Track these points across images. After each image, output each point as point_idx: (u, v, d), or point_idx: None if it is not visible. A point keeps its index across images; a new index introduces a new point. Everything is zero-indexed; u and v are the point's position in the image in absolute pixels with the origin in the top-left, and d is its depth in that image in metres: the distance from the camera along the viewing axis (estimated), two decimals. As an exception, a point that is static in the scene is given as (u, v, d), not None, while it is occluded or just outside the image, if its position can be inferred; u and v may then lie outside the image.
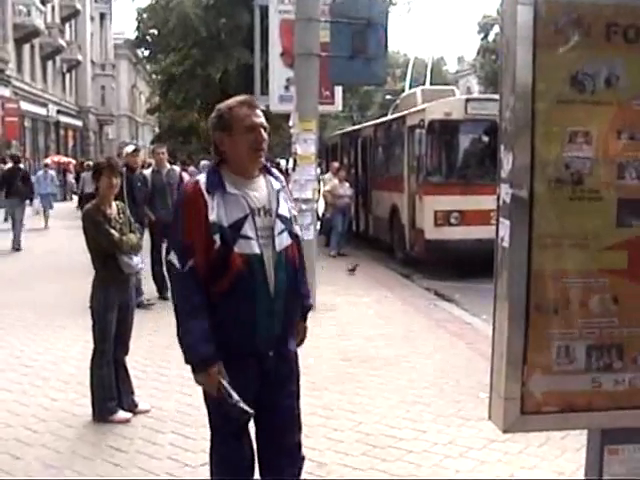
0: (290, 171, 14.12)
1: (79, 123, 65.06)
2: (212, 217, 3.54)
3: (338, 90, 19.21)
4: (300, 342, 4.09)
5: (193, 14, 30.58)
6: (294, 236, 3.84)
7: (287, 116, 14.45)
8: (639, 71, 3.51)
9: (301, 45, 11.67)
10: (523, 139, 3.26)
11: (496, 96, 3.75)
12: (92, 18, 71.42)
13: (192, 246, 3.55)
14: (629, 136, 3.44)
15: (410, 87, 25.52)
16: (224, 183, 3.64)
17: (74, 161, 47.12)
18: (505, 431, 3.17)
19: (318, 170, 14.40)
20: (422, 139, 15.47)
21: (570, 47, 3.42)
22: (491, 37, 65.43)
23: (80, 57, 63.07)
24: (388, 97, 49.44)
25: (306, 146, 11.59)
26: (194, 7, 30.91)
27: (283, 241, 3.73)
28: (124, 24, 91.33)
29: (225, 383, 3.55)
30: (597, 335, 2.88)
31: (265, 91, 19.85)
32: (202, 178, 3.70)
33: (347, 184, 19.55)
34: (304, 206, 11.45)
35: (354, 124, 36.41)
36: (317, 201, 13.62)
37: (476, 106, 14.85)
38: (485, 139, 15.56)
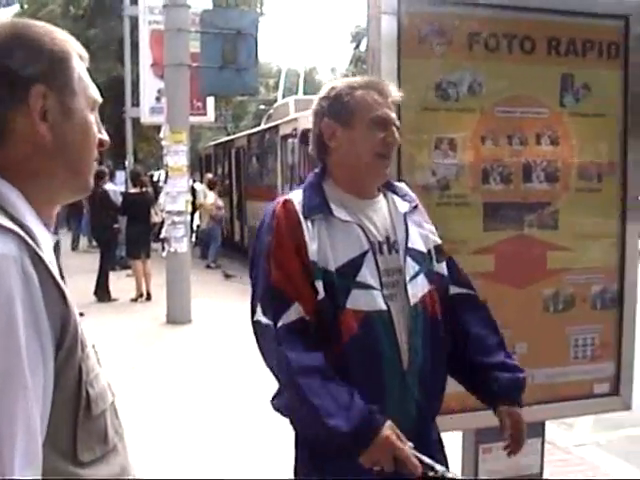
0: (162, 183, 13.96)
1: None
2: (312, 255, 2.36)
3: (210, 101, 19.16)
4: (516, 446, 2.65)
5: (62, 25, 29.80)
6: (436, 278, 2.60)
7: (159, 127, 14.29)
8: (500, 79, 3.62)
9: (171, 56, 11.59)
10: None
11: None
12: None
13: (289, 293, 2.37)
14: (493, 142, 3.54)
15: (283, 97, 25.59)
16: (329, 205, 2.45)
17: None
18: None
19: (190, 181, 14.29)
20: (295, 148, 15.56)
21: (434, 56, 3.50)
22: (363, 47, 66.23)
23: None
24: (262, 107, 49.41)
25: (177, 158, 11.51)
26: (63, 18, 30.19)
27: (418, 289, 2.50)
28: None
29: (412, 448, 2.27)
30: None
31: (136, 103, 19.63)
32: (296, 196, 2.50)
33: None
34: (177, 218, 11.41)
35: (228, 134, 36.28)
36: (191, 213, 13.51)
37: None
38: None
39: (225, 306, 12.77)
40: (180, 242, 11.55)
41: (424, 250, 2.57)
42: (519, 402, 2.62)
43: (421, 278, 2.50)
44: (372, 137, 2.45)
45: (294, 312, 2.34)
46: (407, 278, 2.46)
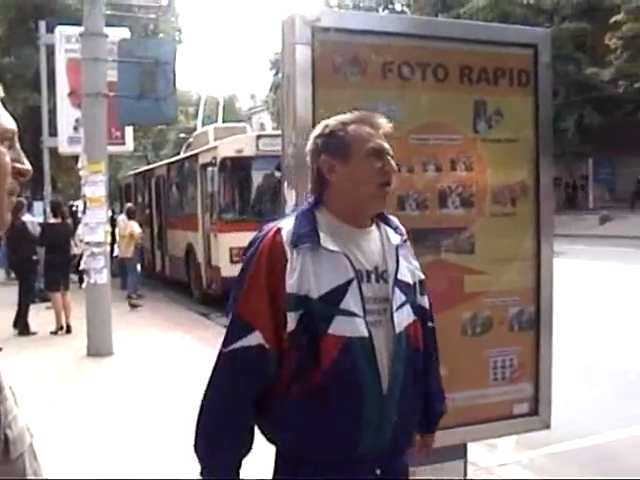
0: (80, 214, 13.77)
1: None
2: (290, 287, 2.41)
3: (129, 130, 19.02)
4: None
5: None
6: (419, 310, 2.70)
7: (77, 158, 14.12)
8: (414, 106, 3.69)
9: (88, 85, 11.45)
10: (305, 175, 3.34)
11: (286, 132, 3.77)
12: None
13: (251, 322, 2.46)
14: (408, 169, 3.60)
15: (203, 125, 25.53)
16: (319, 233, 2.48)
17: None
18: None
19: (109, 212, 14.14)
20: (215, 177, 15.53)
21: (348, 85, 3.54)
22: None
23: None
24: (182, 135, 49.25)
25: (95, 188, 11.36)
26: (-23, 46, 29.75)
27: (404, 318, 2.57)
28: None
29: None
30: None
31: (54, 132, 19.36)
32: (287, 224, 2.53)
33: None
34: (96, 249, 11.26)
35: (148, 163, 36.04)
36: (110, 243, 13.36)
37: (267, 142, 15.02)
38: (278, 175, 15.76)
39: (147, 337, 12.64)
40: (100, 273, 11.38)
41: (411, 282, 2.65)
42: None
43: (407, 308, 2.58)
44: (371, 168, 2.51)
45: (254, 339, 2.43)
46: (394, 307, 2.52)
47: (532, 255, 4.17)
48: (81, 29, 12.02)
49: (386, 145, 2.56)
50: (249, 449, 2.54)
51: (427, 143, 3.72)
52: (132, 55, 12.25)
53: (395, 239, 2.63)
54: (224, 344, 2.49)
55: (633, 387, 8.25)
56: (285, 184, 3.57)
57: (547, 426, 4.36)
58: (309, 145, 2.64)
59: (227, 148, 15.49)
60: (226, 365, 2.49)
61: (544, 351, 4.24)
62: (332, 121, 2.62)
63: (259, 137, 15.76)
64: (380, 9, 52.69)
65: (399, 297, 2.54)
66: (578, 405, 7.35)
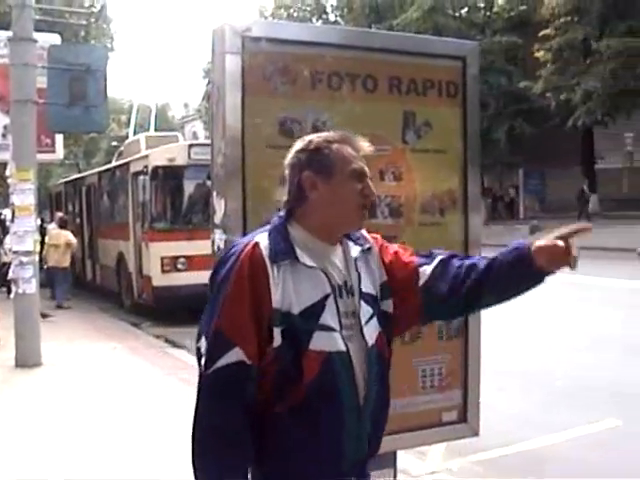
0: (9, 222, 13.53)
1: None
2: (276, 302, 2.40)
3: (59, 138, 18.74)
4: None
5: None
6: (383, 319, 2.68)
7: (6, 165, 13.87)
8: (344, 117, 3.70)
9: (17, 91, 11.25)
10: (234, 185, 3.33)
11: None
12: None
13: (232, 338, 2.40)
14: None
15: (135, 133, 25.31)
16: (294, 249, 2.48)
17: None
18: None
19: (39, 221, 13.92)
20: (146, 186, 15.43)
21: (278, 94, 3.55)
22: (214, 84, 66.38)
23: None
24: (114, 144, 48.79)
25: (24, 197, 11.17)
26: None
27: (372, 330, 2.59)
28: None
29: None
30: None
31: (-19, 140, 18.98)
32: (262, 239, 2.49)
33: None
34: (24, 259, 11.07)
35: (80, 172, 35.57)
36: (40, 252, 13.15)
37: (199, 151, 14.94)
38: (209, 184, 15.68)
39: (77, 348, 12.46)
40: (28, 283, 11.19)
41: (374, 293, 2.65)
42: None
43: (374, 321, 2.60)
44: (352, 189, 2.51)
45: (234, 355, 2.38)
46: (363, 321, 2.55)
47: (460, 265, 4.21)
48: (9, 34, 11.82)
49: (366, 168, 2.56)
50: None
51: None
52: (62, 61, 12.07)
53: (354, 251, 2.63)
54: (206, 366, 2.41)
55: (560, 394, 8.39)
56: (214, 193, 3.56)
57: (476, 433, 4.41)
58: (289, 159, 2.61)
59: (159, 157, 15.39)
60: (212, 387, 2.42)
61: (472, 359, 4.29)
62: (315, 137, 2.61)
63: (191, 146, 15.71)
64: (314, 19, 52.88)
65: (366, 310, 2.57)
66: (507, 413, 7.44)
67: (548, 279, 2.57)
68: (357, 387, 2.49)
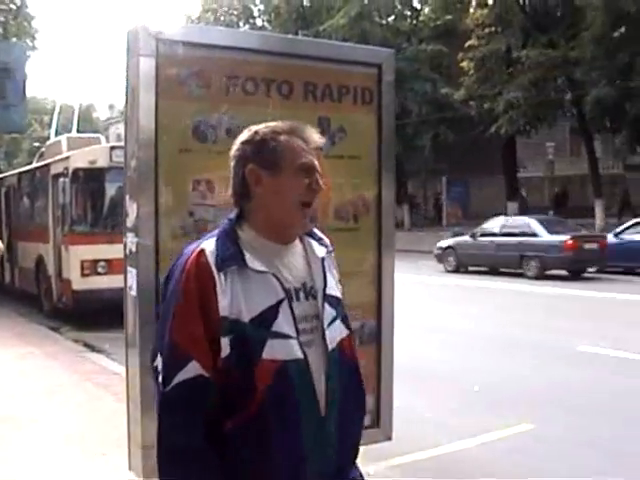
0: None
1: None
2: (223, 310, 2.26)
3: (-23, 138, 18.38)
4: None
5: None
6: (349, 323, 2.56)
7: None
8: (258, 121, 3.67)
9: None
10: (147, 188, 3.30)
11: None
12: None
13: (188, 351, 2.26)
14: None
15: (57, 134, 24.89)
16: (243, 254, 2.33)
17: None
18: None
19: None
20: (67, 188, 15.17)
21: (192, 98, 3.53)
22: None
23: None
24: (36, 144, 48.02)
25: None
26: None
27: (336, 334, 2.44)
28: None
29: None
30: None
31: None
32: (209, 245, 2.35)
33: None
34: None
35: (0, 172, 34.89)
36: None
37: (121, 154, 14.58)
38: (130, 187, 15.53)
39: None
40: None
41: (339, 296, 2.53)
42: None
43: (338, 323, 2.46)
44: (298, 184, 2.36)
45: (192, 369, 2.24)
46: (325, 324, 2.40)
47: (374, 270, 4.24)
48: None
49: (316, 162, 2.41)
50: None
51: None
52: (-20, 60, 11.88)
53: (320, 251, 2.51)
54: (164, 382, 2.27)
55: (475, 400, 8.51)
56: (127, 197, 3.53)
57: (389, 438, 4.44)
58: (234, 151, 2.46)
59: (79, 159, 15.16)
60: (172, 404, 2.27)
61: (385, 365, 4.32)
62: (262, 128, 2.44)
63: (112, 148, 15.51)
64: (241, 23, 52.73)
65: (330, 313, 2.43)
66: (422, 418, 7.52)
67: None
68: (316, 396, 2.34)
